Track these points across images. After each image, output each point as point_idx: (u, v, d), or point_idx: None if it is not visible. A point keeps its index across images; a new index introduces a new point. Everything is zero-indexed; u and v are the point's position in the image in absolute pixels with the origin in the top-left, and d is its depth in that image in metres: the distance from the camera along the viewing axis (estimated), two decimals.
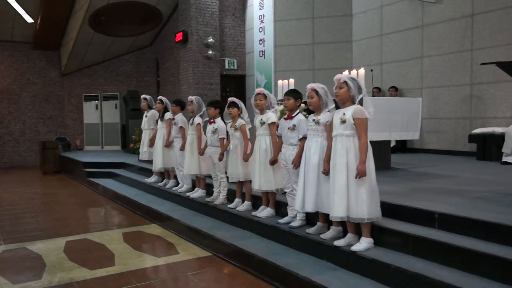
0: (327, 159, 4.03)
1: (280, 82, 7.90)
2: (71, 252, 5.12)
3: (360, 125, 3.76)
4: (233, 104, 5.46)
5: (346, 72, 6.31)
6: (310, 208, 4.19)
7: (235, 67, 12.96)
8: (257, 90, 5.12)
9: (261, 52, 12.04)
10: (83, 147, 14.36)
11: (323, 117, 4.18)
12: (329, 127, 4.07)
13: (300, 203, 4.27)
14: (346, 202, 3.76)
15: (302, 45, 11.44)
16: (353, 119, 3.76)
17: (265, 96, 5.02)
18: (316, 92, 4.20)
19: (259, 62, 12.10)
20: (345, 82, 3.83)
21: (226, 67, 12.78)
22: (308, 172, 4.22)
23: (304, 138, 4.45)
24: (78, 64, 14.20)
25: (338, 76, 3.94)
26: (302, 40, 11.44)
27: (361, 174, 3.69)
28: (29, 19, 12.09)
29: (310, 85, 4.25)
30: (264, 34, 11.88)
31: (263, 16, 11.90)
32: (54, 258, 4.90)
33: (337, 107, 4.08)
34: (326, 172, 4.02)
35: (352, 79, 3.89)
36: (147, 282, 4.16)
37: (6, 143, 13.96)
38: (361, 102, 3.87)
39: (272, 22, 11.57)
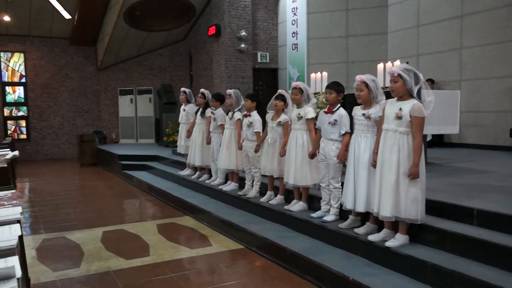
0: (376, 151, 3.82)
1: (313, 75, 7.82)
2: (107, 242, 5.25)
3: (417, 123, 3.54)
4: (281, 97, 5.31)
5: (381, 65, 6.18)
6: (361, 208, 4.03)
7: (268, 61, 12.92)
8: (293, 84, 5.03)
9: (293, 45, 11.95)
10: (119, 140, 14.68)
11: (374, 111, 3.96)
12: (380, 121, 3.86)
13: (351, 201, 4.11)
14: (395, 201, 3.60)
15: (335, 38, 11.29)
16: (410, 116, 3.54)
17: (301, 91, 4.91)
18: (366, 84, 3.99)
19: (292, 55, 12.02)
20: (399, 75, 3.59)
21: (259, 60, 12.76)
22: (358, 171, 4.05)
23: (347, 134, 4.33)
24: (114, 59, 14.49)
25: (391, 69, 3.70)
26: (336, 32, 11.29)
27: (413, 176, 3.52)
28: (67, 16, 12.40)
29: (359, 77, 4.03)
30: (297, 27, 11.78)
31: (296, 8, 11.80)
32: (91, 247, 5.04)
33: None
34: (375, 164, 3.82)
35: (407, 70, 3.61)
36: (181, 273, 4.22)
37: (46, 136, 14.42)
38: (419, 93, 3.60)
39: (305, 14, 11.46)
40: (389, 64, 6.23)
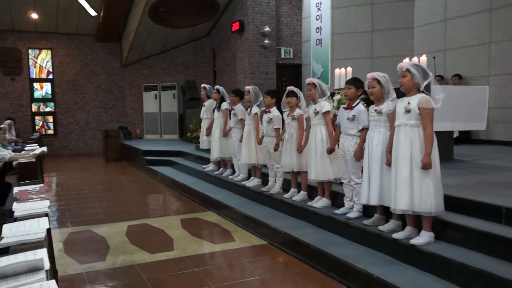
0: (389, 150, 3.89)
1: (337, 71, 7.75)
2: (132, 236, 5.33)
3: (426, 115, 3.59)
4: (292, 93, 5.40)
5: (406, 60, 6.09)
6: (374, 201, 4.08)
7: (291, 56, 12.86)
8: (307, 80, 5.11)
9: (317, 40, 11.85)
10: (143, 136, 14.86)
11: (386, 107, 4.03)
12: (391, 116, 3.93)
13: (365, 196, 4.14)
14: (410, 195, 3.62)
15: (360, 33, 11.15)
16: (419, 108, 3.60)
17: (314, 85, 4.98)
18: (378, 81, 4.06)
19: (316, 51, 11.92)
20: (407, 70, 3.68)
21: (282, 56, 12.71)
22: (371, 165, 4.10)
23: (364, 129, 4.34)
24: (138, 55, 14.65)
25: (400, 64, 3.78)
26: (361, 27, 11.14)
27: (426, 166, 3.54)
28: (93, 13, 12.59)
29: (370, 74, 4.11)
30: (321, 22, 11.67)
31: (320, 3, 11.69)
32: (117, 241, 5.13)
33: (399, 96, 3.94)
34: (389, 163, 3.88)
35: (415, 65, 3.72)
36: (204, 268, 4.26)
37: (72, 132, 14.71)
38: (428, 90, 3.67)
39: (329, 9, 11.34)
40: (415, 59, 6.12)
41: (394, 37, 10.84)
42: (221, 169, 7.72)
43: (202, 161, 8.86)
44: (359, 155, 4.35)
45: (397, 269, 3.60)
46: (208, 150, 8.08)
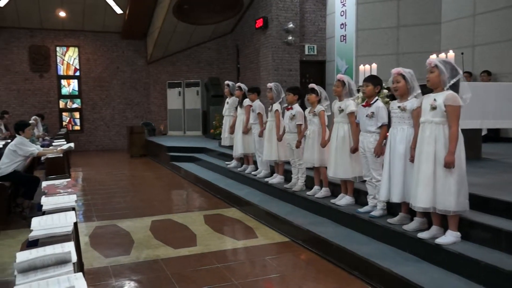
0: (413, 146, 3.84)
1: (361, 67, 7.66)
2: (156, 231, 5.39)
3: (452, 112, 3.52)
4: (312, 90, 5.42)
5: (434, 56, 5.97)
6: (396, 199, 4.05)
7: (315, 53, 12.77)
8: (338, 76, 5.06)
9: (342, 36, 11.73)
10: (167, 132, 14.99)
11: (410, 103, 3.98)
12: (416, 113, 3.87)
13: (386, 193, 4.12)
14: (432, 192, 3.57)
15: (385, 29, 10.98)
16: (445, 106, 3.53)
17: (343, 84, 4.93)
18: (403, 76, 4.01)
19: (340, 47, 11.81)
20: (435, 66, 3.61)
21: (306, 52, 12.63)
22: (394, 162, 4.06)
23: (383, 126, 4.32)
24: (163, 52, 14.78)
25: (429, 59, 3.72)
26: (386, 23, 10.97)
27: (449, 165, 3.48)
28: (119, 10, 12.75)
29: (395, 70, 4.06)
30: (345, 18, 11.54)
31: None
32: (141, 235, 5.19)
33: (425, 93, 3.88)
34: (413, 160, 3.83)
35: (444, 62, 3.65)
36: (227, 264, 4.28)
37: (98, 128, 14.96)
38: (457, 87, 3.60)
39: (354, 5, 11.20)
40: (442, 55, 6.00)
41: (421, 32, 10.63)
42: (243, 165, 7.74)
43: (225, 158, 8.90)
44: (378, 151, 4.32)
45: (421, 269, 3.55)
46: (230, 147, 8.11)
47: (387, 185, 4.11)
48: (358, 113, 4.64)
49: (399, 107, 4.06)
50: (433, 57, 5.57)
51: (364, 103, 4.55)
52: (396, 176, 4.04)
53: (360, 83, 7.43)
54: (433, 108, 3.60)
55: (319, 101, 5.43)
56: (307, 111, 5.57)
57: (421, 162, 3.66)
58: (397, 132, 4.07)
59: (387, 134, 4.27)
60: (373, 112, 4.38)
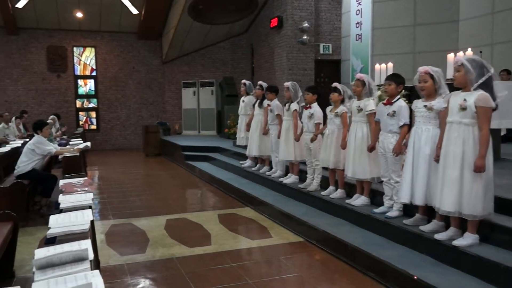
0: (440, 146, 3.69)
1: (377, 66, 7.60)
2: (171, 229, 5.42)
3: (483, 114, 3.37)
4: (335, 89, 5.32)
5: (451, 55, 5.90)
6: (419, 201, 3.94)
7: (330, 52, 12.70)
8: (357, 75, 4.97)
9: (357, 35, 11.65)
10: (182, 132, 15.07)
11: (438, 103, 3.83)
12: (443, 113, 3.74)
13: (408, 194, 4.01)
14: (458, 196, 3.45)
15: (402, 27, 10.87)
16: (476, 107, 3.38)
17: (363, 83, 4.84)
18: (431, 76, 3.88)
19: (355, 46, 11.72)
20: (462, 64, 3.47)
21: (321, 52, 12.57)
22: (418, 163, 3.94)
23: (405, 126, 4.23)
24: (178, 52, 14.86)
25: (456, 57, 3.60)
26: (402, 21, 10.85)
27: (479, 169, 3.35)
28: (134, 11, 12.84)
29: (423, 68, 3.92)
30: (361, 16, 11.46)
31: None
32: (156, 234, 5.22)
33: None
34: (438, 159, 3.70)
35: (472, 60, 3.48)
36: (241, 263, 4.28)
37: (114, 127, 15.10)
38: (487, 86, 3.43)
39: (370, 3, 11.11)
40: (460, 53, 5.91)
41: (438, 31, 10.49)
42: (258, 165, 7.73)
43: (239, 157, 8.90)
44: (398, 150, 4.23)
45: (439, 271, 3.51)
46: (245, 146, 8.08)
47: (410, 186, 3.99)
48: (378, 111, 4.55)
49: (425, 106, 3.92)
50: (450, 56, 5.49)
51: (385, 101, 4.46)
52: (419, 178, 3.91)
53: (376, 82, 7.38)
54: (463, 108, 3.45)
55: (342, 101, 5.32)
56: (328, 109, 5.48)
57: (447, 165, 3.54)
58: (422, 133, 3.94)
59: (408, 134, 4.16)
60: (394, 111, 4.29)
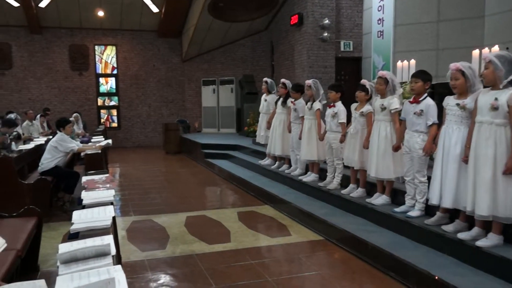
0: (468, 145, 3.57)
1: (399, 64, 7.50)
2: (191, 226, 5.45)
3: None
4: (362, 87, 5.19)
5: (476, 51, 5.78)
6: (448, 204, 3.81)
7: (351, 49, 12.56)
8: (379, 73, 4.85)
9: (379, 32, 11.50)
10: (201, 129, 15.15)
11: (470, 101, 3.67)
12: (475, 112, 3.60)
13: (437, 196, 3.90)
14: (492, 199, 3.34)
15: (425, 23, 10.67)
16: (508, 106, 3.26)
17: (386, 81, 4.72)
18: (462, 72, 3.72)
19: (377, 43, 11.58)
20: (490, 61, 3.36)
21: (342, 49, 12.44)
22: (447, 164, 3.80)
23: (434, 125, 4.10)
24: (198, 50, 14.93)
25: (483, 54, 3.48)
26: (426, 17, 10.66)
27: (510, 170, 3.24)
28: (155, 9, 12.95)
29: (454, 65, 3.77)
30: (383, 13, 11.31)
31: None
32: (176, 231, 5.26)
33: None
34: (467, 160, 3.59)
35: (501, 56, 3.35)
36: (261, 261, 4.28)
37: (134, 125, 15.27)
38: None
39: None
40: (485, 50, 5.79)
41: (462, 27, 10.27)
42: (277, 163, 7.70)
43: (258, 155, 8.90)
44: (429, 149, 4.10)
45: (461, 272, 3.45)
46: (265, 145, 8.05)
47: (439, 188, 3.87)
48: (404, 110, 4.43)
49: (457, 104, 3.76)
50: (475, 52, 5.36)
51: (411, 99, 4.33)
52: (449, 180, 3.78)
53: (398, 79, 7.27)
54: (494, 108, 3.33)
55: (368, 99, 5.20)
56: (353, 107, 5.38)
57: (479, 167, 3.43)
58: (452, 132, 3.79)
59: (438, 133, 4.02)
60: (422, 110, 4.17)
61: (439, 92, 5.31)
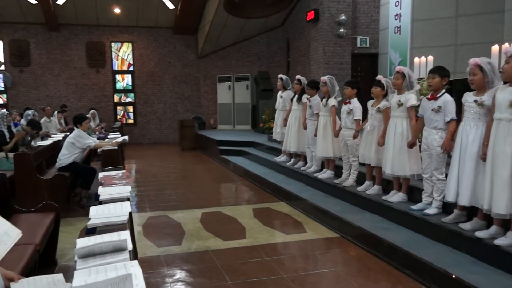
0: (486, 143, 3.52)
1: (416, 60, 7.40)
2: (206, 222, 5.47)
3: None
4: (377, 83, 5.15)
5: (495, 47, 5.67)
6: (465, 202, 3.78)
7: (368, 45, 12.45)
8: (396, 68, 4.80)
9: (396, 28, 11.37)
10: (217, 126, 15.19)
11: (488, 98, 3.62)
12: (491, 107, 3.55)
13: (454, 193, 3.86)
14: (511, 197, 3.29)
15: (443, 19, 10.50)
16: None
17: (403, 76, 4.68)
18: (481, 68, 3.66)
19: (394, 39, 11.44)
20: (511, 56, 3.30)
21: (358, 45, 12.34)
22: (464, 162, 3.76)
23: (452, 121, 4.04)
24: (213, 46, 14.95)
25: (504, 49, 3.41)
26: (444, 12, 10.49)
27: None
28: (171, 6, 12.99)
29: (473, 60, 3.72)
30: (400, 8, 11.16)
31: None
32: (191, 227, 5.29)
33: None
34: (484, 158, 3.54)
35: None
36: (276, 257, 4.28)
37: (150, 121, 15.37)
38: None
39: None
40: (505, 45, 5.68)
41: (482, 22, 10.07)
42: (293, 160, 7.69)
43: (274, 152, 8.89)
44: (448, 146, 4.04)
45: (479, 270, 3.41)
46: (280, 141, 8.05)
47: (456, 186, 3.83)
48: (422, 106, 4.38)
49: (475, 101, 3.71)
50: (495, 48, 5.26)
51: (429, 96, 4.29)
52: (465, 178, 3.74)
53: (415, 76, 7.18)
54: None
55: (385, 95, 5.15)
56: (369, 103, 5.33)
57: (497, 165, 3.38)
58: (470, 130, 3.74)
59: (457, 129, 3.97)
60: (440, 106, 4.12)
61: (457, 89, 5.23)
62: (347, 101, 5.71)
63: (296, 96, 7.36)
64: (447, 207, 4.21)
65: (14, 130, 7.32)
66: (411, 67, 8.10)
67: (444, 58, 9.17)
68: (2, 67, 13.96)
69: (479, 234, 3.60)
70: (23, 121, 9.02)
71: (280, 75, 8.21)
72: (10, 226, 1.67)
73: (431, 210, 4.30)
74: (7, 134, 6.80)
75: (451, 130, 4.04)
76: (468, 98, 3.82)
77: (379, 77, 5.26)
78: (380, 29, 12.46)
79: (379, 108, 5.12)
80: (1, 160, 6.30)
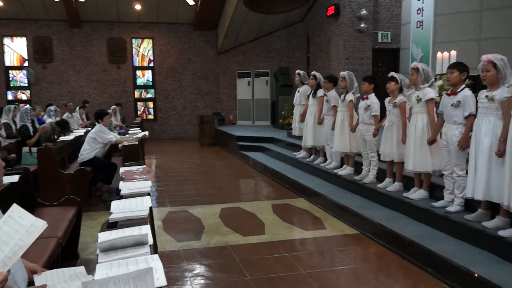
0: (503, 139, 3.52)
1: (439, 55, 7.28)
2: (225, 218, 5.50)
3: None
4: (392, 78, 5.17)
5: None
6: (479, 196, 3.76)
7: (389, 40, 12.27)
8: (411, 64, 4.80)
9: (418, 22, 11.18)
10: (236, 122, 15.21)
11: (499, 93, 3.63)
12: (507, 104, 3.53)
13: (471, 190, 3.84)
14: None
15: (467, 13, 10.29)
16: None
17: (417, 70, 4.67)
18: (494, 64, 3.66)
19: (416, 34, 11.26)
20: None
21: (379, 40, 12.18)
22: (478, 156, 3.77)
23: (471, 116, 4.01)
24: (233, 42, 14.95)
25: None
26: (468, 6, 10.28)
27: None
28: (191, 2, 13.04)
29: (486, 56, 3.72)
30: (423, 2, 10.97)
31: None
32: (211, 222, 5.32)
33: None
34: (501, 154, 3.53)
35: None
36: (295, 253, 4.28)
37: (170, 117, 15.49)
38: None
39: None
40: None
41: (507, 16, 9.84)
42: (312, 156, 7.66)
43: (293, 148, 8.87)
44: (464, 143, 4.03)
45: (502, 269, 3.35)
46: (299, 137, 8.04)
47: (473, 181, 3.82)
48: (442, 102, 4.36)
49: (486, 96, 3.74)
50: None
51: (449, 92, 4.26)
52: (480, 172, 3.72)
53: (438, 71, 7.08)
54: None
55: (400, 90, 5.15)
56: (386, 100, 5.34)
57: None
58: (482, 124, 3.76)
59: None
60: (459, 101, 4.09)
61: (481, 85, 5.13)
62: (365, 96, 5.68)
63: (312, 91, 7.39)
64: (470, 205, 4.14)
65: (37, 125, 7.46)
66: (434, 62, 7.97)
67: (467, 53, 8.99)
68: (26, 64, 14.24)
69: (502, 233, 3.54)
70: (46, 117, 9.18)
71: (297, 71, 8.26)
72: (36, 219, 1.71)
73: (453, 208, 4.24)
74: (31, 128, 6.94)
75: (469, 125, 4.02)
76: (481, 95, 3.84)
77: (391, 73, 5.28)
78: (402, 24, 12.28)
79: (395, 103, 5.12)
80: (25, 154, 6.44)
